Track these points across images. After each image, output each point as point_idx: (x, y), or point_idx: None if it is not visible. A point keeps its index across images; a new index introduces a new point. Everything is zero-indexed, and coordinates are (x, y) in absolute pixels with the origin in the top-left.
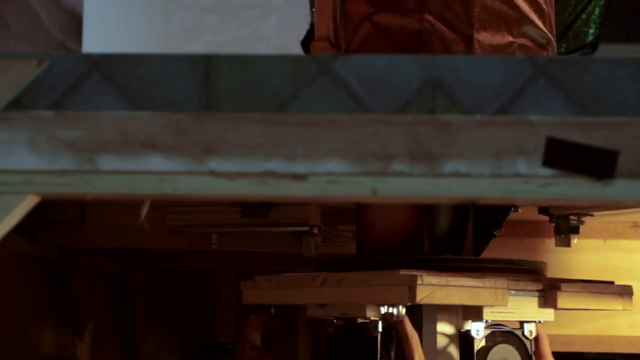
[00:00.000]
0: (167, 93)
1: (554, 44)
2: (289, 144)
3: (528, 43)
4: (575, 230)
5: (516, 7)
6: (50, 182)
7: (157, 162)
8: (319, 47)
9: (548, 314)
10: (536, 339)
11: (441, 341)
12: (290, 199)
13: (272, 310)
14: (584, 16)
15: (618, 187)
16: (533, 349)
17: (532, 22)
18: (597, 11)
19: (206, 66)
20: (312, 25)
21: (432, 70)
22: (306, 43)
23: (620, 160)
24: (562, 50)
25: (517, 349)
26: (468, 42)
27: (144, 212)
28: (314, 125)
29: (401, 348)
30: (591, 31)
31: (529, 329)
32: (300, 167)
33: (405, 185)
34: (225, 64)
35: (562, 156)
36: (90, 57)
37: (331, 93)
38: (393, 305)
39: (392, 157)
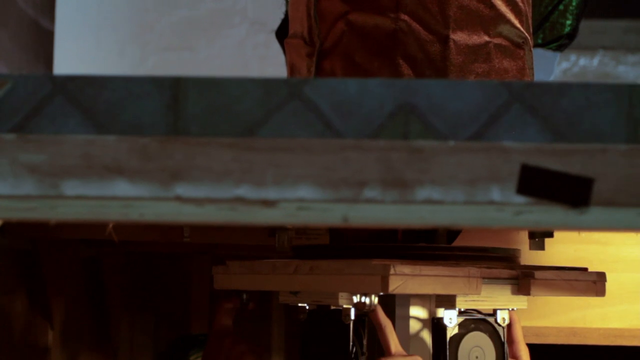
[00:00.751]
0: (134, 116)
1: (530, 42)
2: (258, 170)
3: (504, 42)
4: (549, 235)
5: (493, 6)
6: (12, 207)
7: (122, 188)
8: (293, 44)
9: (521, 302)
10: (509, 325)
11: (414, 326)
12: (260, 225)
13: (244, 296)
14: (561, 7)
15: (594, 215)
16: (506, 336)
17: (508, 22)
18: (574, 2)
19: (174, 89)
20: (286, 15)
21: (405, 95)
22: (280, 33)
23: (595, 188)
24: (539, 41)
25: (490, 336)
26: (444, 42)
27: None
28: (285, 151)
29: (374, 335)
30: (568, 22)
31: (502, 316)
32: (270, 193)
33: (377, 212)
34: (194, 87)
35: (537, 183)
36: (54, 79)
37: (302, 117)
38: (366, 295)
39: (364, 184)
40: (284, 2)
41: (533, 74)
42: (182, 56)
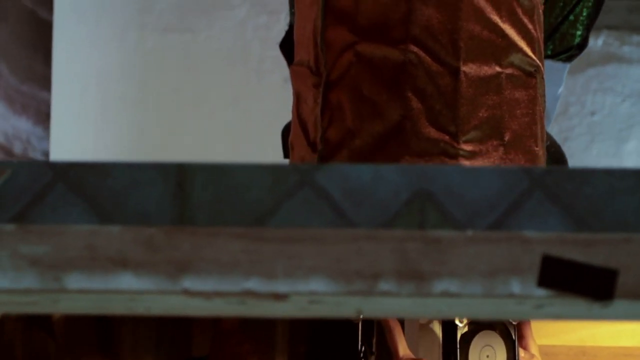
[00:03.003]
0: (138, 205)
1: (543, 69)
2: (268, 261)
3: (516, 72)
4: None
5: (504, 36)
6: (13, 301)
7: (127, 281)
8: (299, 72)
9: None
10: (519, 324)
11: (424, 326)
12: (270, 317)
13: None
14: (571, 17)
15: (618, 309)
16: (516, 335)
17: (520, 50)
18: (585, 12)
19: (179, 176)
20: (291, 27)
21: (422, 182)
22: (285, 45)
23: (620, 280)
24: (549, 52)
25: (501, 334)
26: (454, 75)
27: None
28: (296, 241)
29: (383, 337)
30: (578, 33)
31: None
32: (281, 286)
33: (393, 305)
34: (200, 174)
35: (559, 275)
36: (55, 166)
37: (313, 206)
38: None
39: (379, 276)
40: (289, 12)
41: (545, 102)
42: (182, 38)
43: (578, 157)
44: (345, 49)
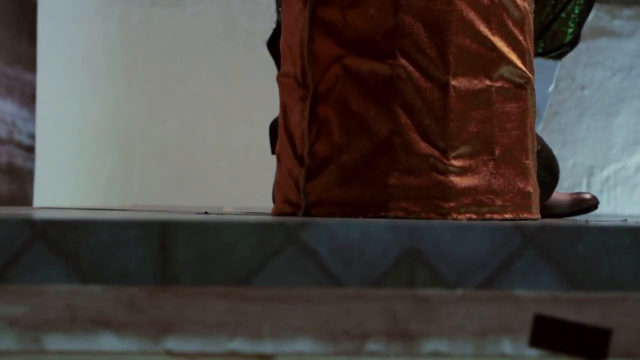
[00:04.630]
0: (120, 265)
1: (533, 80)
2: (254, 322)
3: (506, 85)
4: None
5: (494, 49)
6: None
7: (109, 342)
8: (285, 83)
9: None
10: None
11: None
12: None
13: None
14: (563, 15)
15: None
16: None
17: (510, 62)
18: (577, 10)
19: (162, 234)
20: (278, 25)
21: (411, 239)
22: (271, 43)
23: (614, 340)
24: (540, 50)
25: None
26: (443, 89)
27: None
28: (282, 301)
29: None
30: (570, 30)
31: None
32: (267, 347)
33: None
34: (184, 233)
35: (551, 335)
36: (34, 224)
37: (300, 264)
38: None
39: (367, 337)
40: (275, 11)
41: (535, 113)
42: (169, 12)
43: (568, 131)
44: (333, 62)
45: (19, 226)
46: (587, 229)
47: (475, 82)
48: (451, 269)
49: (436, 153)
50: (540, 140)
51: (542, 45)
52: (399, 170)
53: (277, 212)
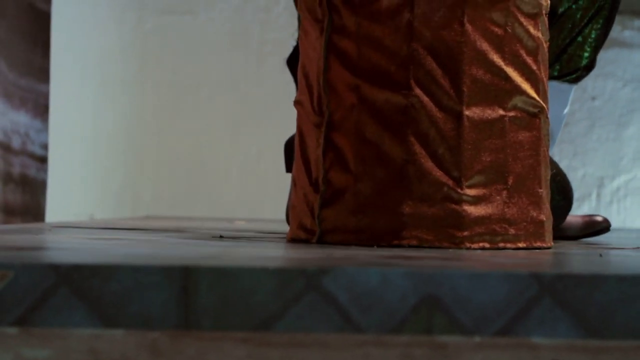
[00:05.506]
0: (142, 309)
1: (547, 110)
2: None
3: (519, 114)
4: None
5: (508, 78)
6: None
7: None
8: (301, 110)
9: None
10: None
11: None
12: None
13: None
14: (579, 39)
15: None
16: None
17: (524, 92)
18: (593, 34)
19: (184, 280)
20: (298, 43)
21: (429, 286)
22: (292, 61)
23: None
24: (555, 73)
25: None
26: (457, 119)
27: None
28: (302, 346)
29: None
30: (586, 54)
31: None
32: None
33: None
34: (205, 278)
35: None
36: (58, 269)
37: (320, 310)
38: None
39: None
40: (297, 30)
41: (549, 141)
42: (181, 20)
43: (579, 142)
44: (348, 91)
45: (44, 271)
46: (604, 278)
47: (489, 111)
48: (469, 316)
49: (450, 182)
50: (554, 164)
51: (557, 68)
52: (413, 199)
53: (291, 237)
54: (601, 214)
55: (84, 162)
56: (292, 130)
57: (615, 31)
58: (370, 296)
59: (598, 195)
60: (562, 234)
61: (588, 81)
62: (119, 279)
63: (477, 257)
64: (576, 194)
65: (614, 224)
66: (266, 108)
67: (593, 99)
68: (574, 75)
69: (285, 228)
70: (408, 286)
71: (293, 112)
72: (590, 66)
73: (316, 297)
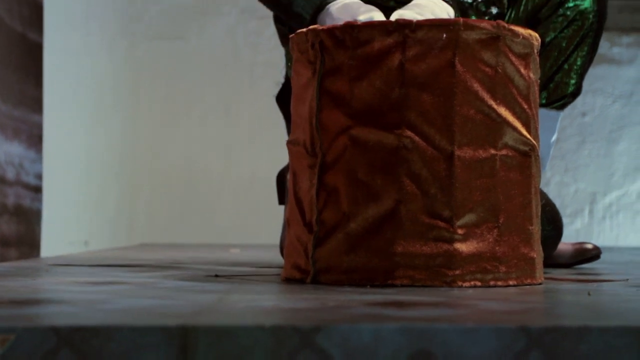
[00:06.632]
0: None
1: (538, 148)
2: None
3: (511, 153)
4: None
5: (499, 117)
6: None
7: None
8: (294, 151)
9: None
10: None
11: None
12: None
13: None
14: (565, 67)
15: None
16: None
17: (515, 130)
18: (579, 61)
19: (183, 339)
20: (287, 79)
21: (421, 342)
22: (280, 98)
23: None
24: (543, 101)
25: None
26: (449, 159)
27: None
28: None
29: None
30: (572, 81)
31: None
32: None
33: None
34: (203, 337)
35: None
36: (59, 331)
37: None
38: None
39: None
40: (285, 66)
41: (540, 178)
42: (172, 45)
43: (570, 157)
44: (341, 132)
45: (45, 333)
46: (589, 330)
47: (480, 151)
48: None
49: (442, 222)
50: (543, 195)
51: (545, 96)
52: (405, 238)
53: (285, 277)
54: (594, 230)
55: (78, 190)
56: (284, 151)
57: (604, 48)
58: (364, 352)
59: (590, 212)
60: (554, 261)
61: (578, 97)
62: (118, 339)
63: (468, 301)
64: (569, 210)
65: (607, 240)
66: (258, 130)
67: (583, 115)
68: (561, 102)
69: (279, 259)
70: (401, 341)
71: (285, 135)
72: (576, 92)
73: (311, 355)
